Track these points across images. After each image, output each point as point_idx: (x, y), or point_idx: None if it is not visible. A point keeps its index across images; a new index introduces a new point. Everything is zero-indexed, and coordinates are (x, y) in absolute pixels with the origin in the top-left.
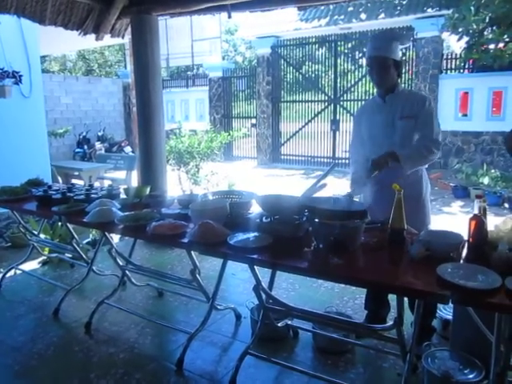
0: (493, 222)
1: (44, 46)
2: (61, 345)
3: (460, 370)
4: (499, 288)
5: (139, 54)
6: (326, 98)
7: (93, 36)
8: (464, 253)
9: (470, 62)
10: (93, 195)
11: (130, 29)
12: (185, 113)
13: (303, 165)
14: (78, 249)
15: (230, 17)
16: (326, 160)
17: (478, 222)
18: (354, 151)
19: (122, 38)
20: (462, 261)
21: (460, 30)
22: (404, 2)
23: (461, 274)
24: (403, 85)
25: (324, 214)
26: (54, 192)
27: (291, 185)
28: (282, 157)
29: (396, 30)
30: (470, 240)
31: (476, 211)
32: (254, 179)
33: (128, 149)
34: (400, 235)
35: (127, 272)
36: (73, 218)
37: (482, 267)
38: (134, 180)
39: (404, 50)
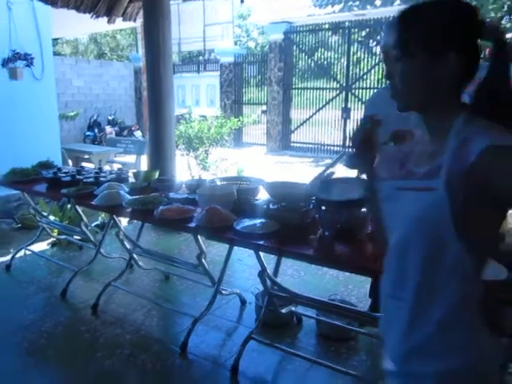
0: None
1: (56, 28)
2: (68, 325)
3: None
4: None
5: (151, 39)
6: (338, 85)
7: (105, 19)
8: None
9: (487, 50)
10: (102, 178)
11: (142, 12)
12: (195, 98)
13: (313, 152)
14: (86, 231)
15: (242, 1)
16: (335, 148)
17: None
18: None
19: (134, 21)
20: None
21: None
22: None
23: None
24: None
25: (331, 202)
26: (63, 174)
27: (300, 172)
28: (292, 144)
29: None
30: None
31: None
32: (263, 166)
33: (138, 133)
34: None
35: (134, 255)
36: (81, 200)
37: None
38: (144, 164)
39: None
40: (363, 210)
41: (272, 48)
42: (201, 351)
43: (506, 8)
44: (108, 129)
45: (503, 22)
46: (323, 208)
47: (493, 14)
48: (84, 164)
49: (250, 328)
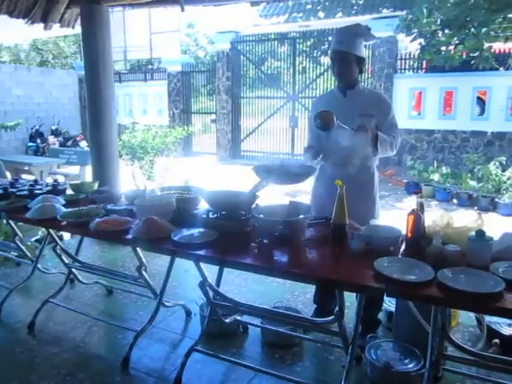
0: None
1: None
2: (1, 346)
3: (400, 360)
4: (431, 281)
5: (89, 46)
6: (285, 94)
7: (41, 25)
8: (403, 247)
9: (424, 62)
10: (37, 191)
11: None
12: (143, 107)
13: (262, 161)
14: (21, 246)
15: (182, 10)
16: (284, 156)
17: (415, 217)
18: (310, 139)
19: (73, 28)
20: (400, 255)
21: (414, 31)
22: (360, 2)
23: (397, 267)
24: (362, 83)
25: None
26: None
27: (249, 181)
28: (242, 153)
29: (362, 26)
30: (408, 235)
31: (414, 206)
32: (212, 175)
33: (84, 143)
34: (342, 230)
35: (74, 270)
36: (14, 214)
37: (417, 261)
38: (89, 175)
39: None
40: (299, 217)
41: (219, 57)
42: (143, 366)
43: (439, 22)
44: (51, 139)
45: (439, 35)
46: (261, 216)
47: (427, 28)
48: (24, 176)
49: (195, 339)
